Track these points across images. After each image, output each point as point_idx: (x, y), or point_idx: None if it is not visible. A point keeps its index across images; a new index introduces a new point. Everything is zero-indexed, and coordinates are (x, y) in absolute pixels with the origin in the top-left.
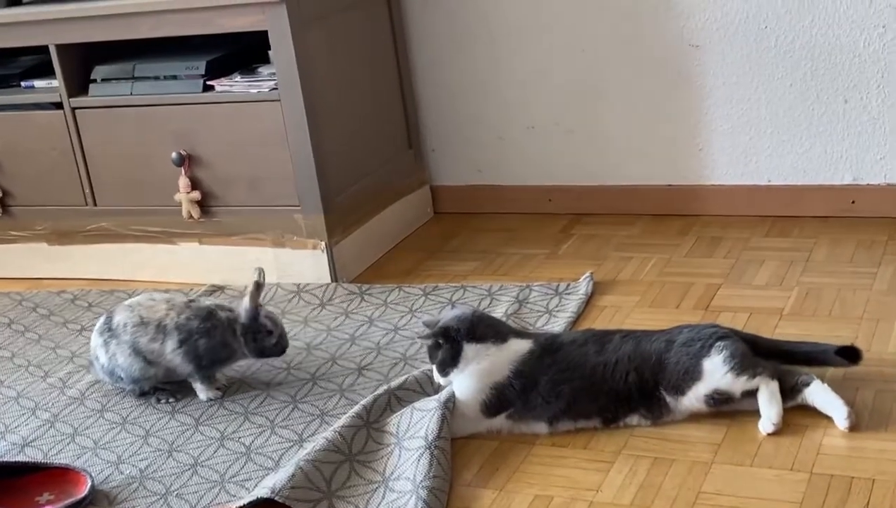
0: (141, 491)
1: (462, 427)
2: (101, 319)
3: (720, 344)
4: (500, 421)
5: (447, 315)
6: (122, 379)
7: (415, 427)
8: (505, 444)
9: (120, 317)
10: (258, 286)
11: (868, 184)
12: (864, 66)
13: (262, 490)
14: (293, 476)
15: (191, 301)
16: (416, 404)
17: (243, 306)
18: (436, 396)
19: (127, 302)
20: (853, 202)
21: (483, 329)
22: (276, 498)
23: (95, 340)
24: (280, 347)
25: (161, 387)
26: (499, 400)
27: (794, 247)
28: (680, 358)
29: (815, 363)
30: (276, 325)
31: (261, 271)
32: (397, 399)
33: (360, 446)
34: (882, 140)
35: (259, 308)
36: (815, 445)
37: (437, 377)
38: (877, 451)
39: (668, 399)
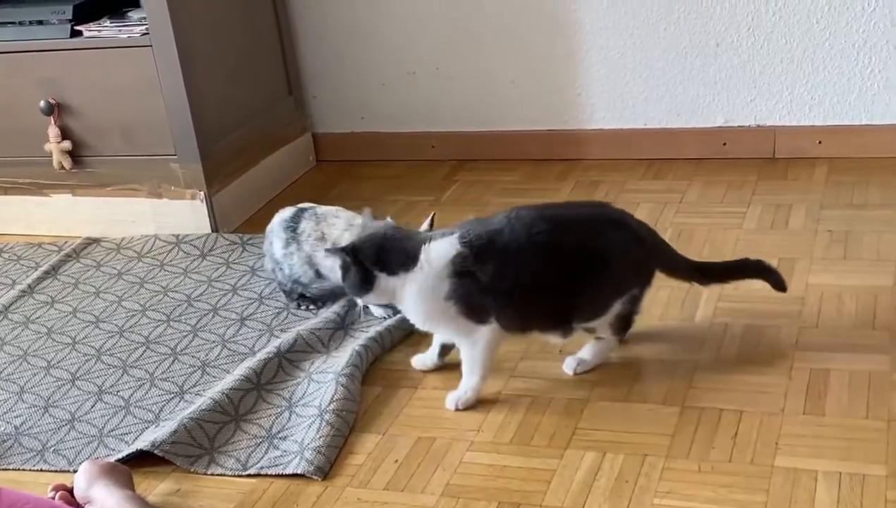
0: (17, 448)
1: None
2: (289, 213)
3: None
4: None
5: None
6: (283, 271)
7: (309, 397)
8: (388, 389)
9: (306, 226)
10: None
11: (739, 126)
12: (734, 10)
13: (142, 444)
14: (176, 431)
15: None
16: (313, 374)
17: None
18: (332, 365)
19: (319, 211)
20: (724, 144)
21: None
22: (156, 452)
23: (277, 232)
24: None
25: (308, 296)
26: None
27: (669, 189)
28: None
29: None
30: None
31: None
32: (288, 361)
33: (248, 407)
34: (752, 82)
35: None
36: (687, 380)
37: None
38: (744, 384)
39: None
